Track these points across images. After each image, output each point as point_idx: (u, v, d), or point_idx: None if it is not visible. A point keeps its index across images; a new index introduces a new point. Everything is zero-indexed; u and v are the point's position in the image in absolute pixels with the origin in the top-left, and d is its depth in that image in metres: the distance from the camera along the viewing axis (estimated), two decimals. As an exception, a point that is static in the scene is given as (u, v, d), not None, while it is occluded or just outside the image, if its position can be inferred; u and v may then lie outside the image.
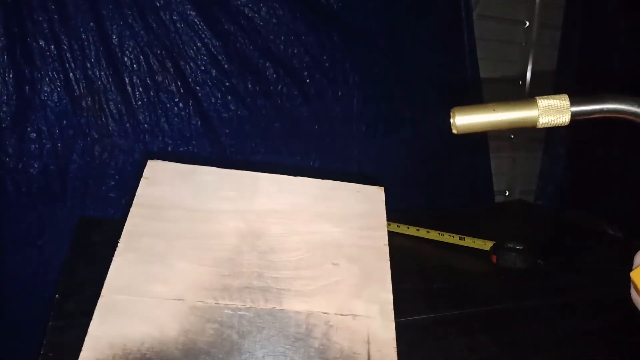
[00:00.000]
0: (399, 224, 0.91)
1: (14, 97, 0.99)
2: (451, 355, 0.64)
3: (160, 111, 1.08)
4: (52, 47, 1.00)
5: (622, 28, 1.46)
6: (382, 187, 0.44)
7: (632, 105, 0.30)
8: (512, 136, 1.59)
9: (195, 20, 1.07)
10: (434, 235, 1.00)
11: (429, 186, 1.33)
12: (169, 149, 1.09)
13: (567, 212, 1.48)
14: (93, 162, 1.05)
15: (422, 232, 1.00)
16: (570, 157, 1.54)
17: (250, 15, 1.11)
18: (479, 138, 1.39)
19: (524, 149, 1.61)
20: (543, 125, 0.31)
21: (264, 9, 1.11)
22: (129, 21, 1.03)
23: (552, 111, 0.30)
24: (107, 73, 1.04)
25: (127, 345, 0.32)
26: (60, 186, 1.04)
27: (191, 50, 1.08)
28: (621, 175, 1.44)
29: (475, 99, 1.30)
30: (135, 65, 1.05)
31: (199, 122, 1.11)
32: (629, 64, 1.47)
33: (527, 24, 1.50)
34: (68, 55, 1.01)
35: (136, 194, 0.39)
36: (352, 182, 0.45)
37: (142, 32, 1.04)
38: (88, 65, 1.02)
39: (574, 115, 0.30)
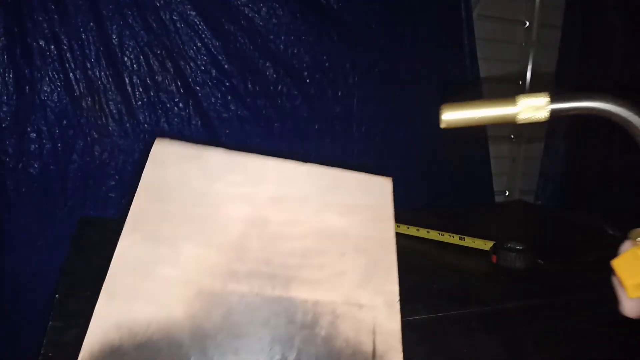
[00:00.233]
0: (398, 224, 0.91)
1: (14, 97, 0.99)
2: (451, 355, 0.64)
3: (160, 111, 1.08)
4: (52, 47, 1.00)
5: (621, 28, 1.46)
6: (390, 178, 0.43)
7: (605, 104, 0.32)
8: (512, 136, 1.59)
9: (195, 20, 1.07)
10: (434, 235, 1.00)
11: (429, 186, 1.33)
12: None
13: (567, 212, 1.48)
14: (93, 162, 1.05)
15: (422, 232, 1.00)
16: (570, 158, 1.54)
17: (250, 15, 1.11)
18: (479, 138, 1.39)
19: (524, 149, 1.61)
20: (522, 121, 0.34)
21: (264, 9, 1.11)
22: (129, 21, 1.03)
23: (531, 108, 0.33)
24: (107, 73, 1.04)
25: (134, 327, 0.32)
26: (60, 186, 1.04)
27: (191, 50, 1.08)
28: (621, 176, 1.45)
29: (475, 99, 1.29)
30: (135, 65, 1.05)
31: (199, 122, 1.11)
32: (629, 64, 1.47)
33: (527, 24, 1.51)
34: (68, 55, 1.01)
35: (143, 174, 0.38)
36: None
37: (142, 32, 1.04)
38: (88, 65, 1.02)
39: (553, 112, 0.33)
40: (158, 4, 1.04)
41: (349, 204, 0.41)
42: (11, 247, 1.03)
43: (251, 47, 1.12)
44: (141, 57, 1.05)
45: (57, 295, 0.69)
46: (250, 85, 1.14)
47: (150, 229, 0.36)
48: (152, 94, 1.07)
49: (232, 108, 1.13)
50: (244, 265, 0.36)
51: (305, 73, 1.17)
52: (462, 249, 0.96)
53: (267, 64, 1.14)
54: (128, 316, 0.32)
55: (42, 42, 0.99)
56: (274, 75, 1.15)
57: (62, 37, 1.00)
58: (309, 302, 0.35)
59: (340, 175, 0.42)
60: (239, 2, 1.10)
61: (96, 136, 1.05)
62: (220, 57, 1.10)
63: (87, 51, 1.02)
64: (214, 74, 1.10)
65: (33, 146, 1.01)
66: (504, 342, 0.67)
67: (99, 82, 1.04)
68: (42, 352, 0.56)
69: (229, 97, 1.12)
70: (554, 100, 0.33)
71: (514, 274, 0.86)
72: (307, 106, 1.18)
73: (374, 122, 1.24)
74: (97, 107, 1.04)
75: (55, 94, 1.01)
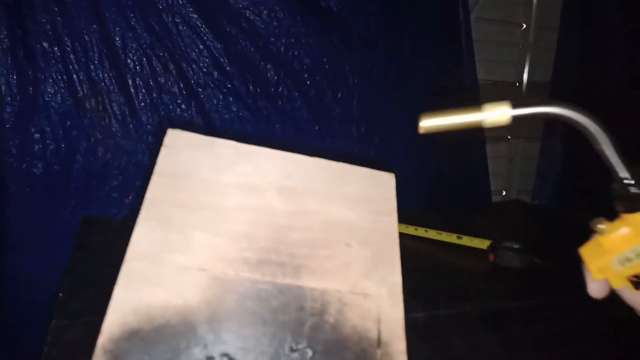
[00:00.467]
0: (397, 223, 0.92)
1: (17, 98, 0.99)
2: (449, 353, 0.64)
3: (162, 112, 1.09)
4: (55, 48, 1.00)
5: (620, 29, 1.47)
6: (393, 174, 0.45)
7: (557, 108, 0.37)
8: (509, 137, 1.60)
9: (197, 22, 1.08)
10: (432, 234, 1.01)
11: (427, 186, 1.34)
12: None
13: (564, 212, 1.50)
14: (96, 162, 1.06)
15: (421, 232, 1.02)
16: (567, 157, 1.55)
17: (251, 17, 1.11)
18: (477, 139, 1.41)
19: (521, 149, 1.62)
20: (489, 126, 0.38)
21: (265, 11, 1.12)
22: (131, 23, 1.04)
23: (495, 115, 0.38)
24: (110, 75, 1.05)
25: (151, 311, 0.33)
26: (63, 186, 1.05)
27: (193, 53, 1.09)
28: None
29: (473, 100, 1.31)
30: (138, 67, 1.06)
31: (201, 123, 1.12)
32: (627, 66, 1.48)
33: (525, 26, 1.52)
34: (71, 56, 1.01)
35: (157, 162, 0.39)
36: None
37: (144, 34, 1.05)
38: (91, 66, 1.03)
39: (514, 117, 0.38)
40: (160, 7, 1.05)
41: (354, 197, 0.42)
42: (14, 246, 1.03)
43: (252, 49, 1.13)
44: (144, 59, 1.06)
45: (60, 294, 0.70)
46: (251, 87, 1.15)
47: (164, 216, 0.36)
48: (154, 95, 1.08)
49: (234, 109, 1.14)
50: (254, 254, 0.37)
51: (306, 75, 1.18)
52: (460, 248, 0.98)
53: (268, 66, 1.15)
54: (145, 301, 0.33)
55: (45, 44, 1.00)
56: (275, 77, 1.16)
57: (65, 38, 1.00)
58: (317, 291, 0.37)
59: (346, 169, 0.44)
60: (240, 5, 1.11)
61: (99, 137, 1.06)
62: (222, 59, 1.11)
63: (90, 53, 1.03)
64: (215, 76, 1.11)
65: (36, 147, 1.02)
66: (502, 341, 0.68)
67: (102, 84, 1.04)
68: (45, 350, 0.57)
69: (231, 99, 1.13)
70: (514, 107, 0.38)
71: (511, 273, 0.88)
72: (307, 107, 1.19)
73: (374, 123, 1.26)
74: (100, 108, 1.05)
75: (59, 95, 1.02)
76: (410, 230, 1.02)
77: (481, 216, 1.28)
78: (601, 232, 0.40)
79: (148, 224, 0.36)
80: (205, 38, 1.09)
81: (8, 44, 0.97)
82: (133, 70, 1.06)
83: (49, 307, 0.68)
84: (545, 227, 1.19)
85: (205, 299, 0.34)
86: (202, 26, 1.08)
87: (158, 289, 0.34)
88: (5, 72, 0.98)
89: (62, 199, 1.05)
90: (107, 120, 1.06)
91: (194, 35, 1.08)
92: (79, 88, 1.03)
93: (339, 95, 1.22)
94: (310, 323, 0.36)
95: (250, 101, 1.15)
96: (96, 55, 1.03)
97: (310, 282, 0.37)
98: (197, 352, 0.33)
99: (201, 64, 1.10)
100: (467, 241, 0.98)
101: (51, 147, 1.03)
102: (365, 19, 1.21)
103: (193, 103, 1.11)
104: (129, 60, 1.05)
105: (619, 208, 0.39)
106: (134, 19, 1.04)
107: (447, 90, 1.31)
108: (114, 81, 1.05)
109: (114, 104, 1.06)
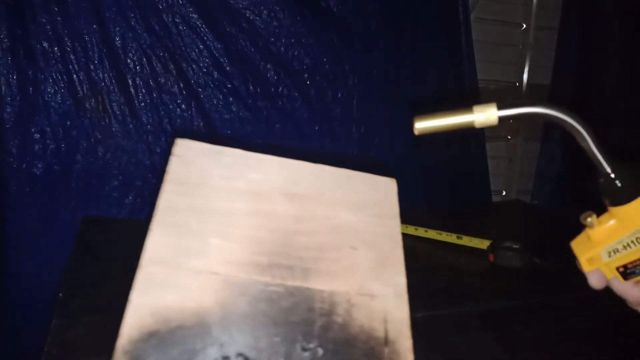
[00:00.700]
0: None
1: (17, 98, 1.00)
2: (449, 353, 0.65)
3: (162, 112, 1.09)
4: (56, 48, 1.00)
5: (619, 29, 1.47)
6: (394, 179, 0.47)
7: (542, 109, 0.39)
8: (509, 137, 1.61)
9: (197, 22, 1.08)
10: (432, 234, 1.01)
11: (427, 186, 1.34)
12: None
13: (564, 211, 1.50)
14: (96, 162, 1.06)
15: (421, 231, 1.02)
16: (566, 157, 1.56)
17: (251, 17, 1.12)
18: (476, 139, 1.41)
19: (520, 149, 1.62)
20: (479, 126, 0.40)
21: (265, 11, 1.12)
22: (131, 23, 1.04)
23: (483, 116, 0.39)
24: (111, 75, 1.05)
25: (167, 313, 0.34)
26: (63, 186, 1.05)
27: (193, 53, 1.09)
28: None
29: (473, 100, 1.31)
30: (138, 67, 1.06)
31: (201, 123, 1.12)
32: (627, 66, 1.49)
33: (524, 26, 1.52)
34: (71, 56, 1.02)
35: (167, 170, 0.40)
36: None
37: (144, 34, 1.05)
38: (91, 66, 1.03)
39: (501, 118, 0.39)
40: (160, 7, 1.05)
41: (358, 201, 0.44)
42: (15, 246, 1.03)
43: (252, 49, 1.13)
44: (144, 59, 1.06)
45: (60, 294, 0.70)
46: (251, 87, 1.15)
47: (178, 223, 0.38)
48: (154, 95, 1.08)
49: (234, 109, 1.14)
50: (264, 258, 0.38)
51: (306, 75, 1.18)
52: (460, 248, 0.98)
53: (268, 66, 1.15)
54: (162, 304, 0.34)
55: (45, 44, 1.00)
56: (275, 77, 1.16)
57: (66, 38, 1.01)
58: (325, 292, 0.38)
59: (349, 175, 0.45)
60: (240, 5, 1.11)
61: (99, 137, 1.06)
62: (222, 59, 1.11)
63: (91, 53, 1.03)
64: (215, 76, 1.11)
65: (37, 147, 1.02)
66: (502, 340, 0.68)
67: (102, 84, 1.05)
68: (45, 349, 0.57)
69: (231, 99, 1.13)
70: (499, 108, 0.39)
71: (511, 272, 0.88)
72: (307, 107, 1.19)
73: (374, 123, 1.26)
74: (100, 108, 1.05)
75: (59, 95, 1.02)
76: (410, 230, 1.02)
77: (481, 216, 1.28)
78: (590, 226, 0.42)
79: (162, 230, 0.37)
80: (205, 38, 1.09)
81: (8, 44, 0.98)
82: (133, 70, 1.06)
83: (49, 307, 0.69)
84: (545, 227, 1.20)
85: (219, 302, 0.36)
86: (202, 26, 1.08)
87: (173, 292, 0.35)
88: (5, 72, 0.98)
89: (62, 199, 1.05)
90: (107, 120, 1.06)
91: (194, 35, 1.08)
92: (79, 88, 1.03)
93: (339, 95, 1.22)
94: (319, 323, 0.37)
95: (250, 101, 1.15)
96: (96, 55, 1.03)
97: (319, 284, 0.39)
98: (213, 352, 0.34)
99: (201, 64, 1.10)
100: (467, 241, 0.98)
101: (51, 147, 1.03)
102: (365, 19, 1.21)
103: (193, 103, 1.11)
104: (129, 60, 1.06)
105: (606, 202, 0.41)
106: (134, 19, 1.04)
107: (447, 90, 1.31)
108: (114, 81, 1.05)
109: (114, 104, 1.06)
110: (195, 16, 1.08)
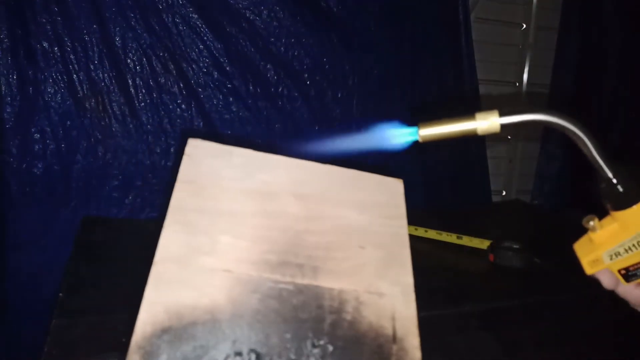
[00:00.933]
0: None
1: (17, 98, 1.00)
2: (448, 353, 0.65)
3: (162, 112, 1.09)
4: (56, 48, 1.00)
5: (619, 29, 1.47)
6: (401, 180, 0.48)
7: (544, 116, 0.39)
8: (509, 137, 1.61)
9: (197, 22, 1.08)
10: (432, 234, 1.01)
11: (427, 186, 1.34)
12: (172, 149, 1.10)
13: (564, 212, 1.50)
14: (96, 162, 1.06)
15: (421, 231, 1.02)
16: (566, 158, 1.56)
17: (251, 18, 1.12)
18: (477, 140, 1.41)
19: (520, 149, 1.63)
20: (482, 134, 0.41)
21: (265, 11, 1.12)
22: (131, 23, 1.04)
23: (486, 123, 0.40)
24: (111, 75, 1.05)
25: (181, 310, 0.35)
26: (63, 186, 1.05)
27: (193, 53, 1.09)
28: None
29: (473, 100, 1.31)
30: (138, 67, 1.06)
31: (201, 123, 1.12)
32: (626, 66, 1.49)
33: (524, 26, 1.52)
34: (72, 56, 1.02)
35: (179, 170, 0.41)
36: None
37: (144, 34, 1.05)
38: (91, 66, 1.03)
39: (503, 125, 0.40)
40: (160, 7, 1.05)
41: (365, 202, 0.45)
42: (15, 246, 1.04)
43: (252, 50, 1.13)
44: (144, 59, 1.06)
45: (60, 294, 0.70)
46: (251, 87, 1.15)
47: (190, 221, 0.39)
48: (154, 95, 1.08)
49: (234, 109, 1.14)
50: (275, 256, 0.39)
51: (306, 75, 1.18)
52: (460, 248, 0.98)
53: (268, 66, 1.15)
54: (175, 301, 0.35)
55: (45, 44, 1.00)
56: (275, 77, 1.16)
57: (66, 39, 1.01)
58: (335, 290, 0.39)
59: (357, 175, 0.46)
60: (240, 5, 1.11)
61: (99, 137, 1.06)
62: (222, 59, 1.11)
63: (91, 53, 1.03)
64: (215, 76, 1.11)
65: (37, 146, 1.02)
66: (502, 340, 0.68)
67: (102, 84, 1.05)
68: (45, 349, 0.57)
69: (231, 99, 1.13)
70: (501, 115, 0.40)
71: (511, 272, 0.88)
72: (307, 107, 1.19)
73: (373, 123, 1.26)
74: (100, 108, 1.05)
75: (59, 95, 1.02)
76: (410, 230, 1.02)
77: (481, 216, 1.28)
78: (592, 229, 0.43)
79: (174, 229, 0.38)
80: (205, 38, 1.09)
81: (8, 44, 0.98)
82: (133, 70, 1.06)
83: (50, 307, 0.69)
84: (545, 227, 1.20)
85: (231, 299, 0.36)
86: (202, 26, 1.08)
87: (187, 290, 0.36)
88: (5, 72, 0.98)
89: (62, 199, 1.05)
90: (107, 120, 1.06)
91: (194, 35, 1.09)
92: (79, 88, 1.03)
93: (339, 95, 1.22)
94: (329, 320, 0.38)
95: (250, 101, 1.15)
96: (96, 55, 1.03)
97: (328, 282, 0.39)
98: (226, 348, 0.35)
99: (201, 64, 1.10)
100: (467, 241, 0.98)
101: (51, 147, 1.03)
102: (365, 19, 1.21)
103: (193, 103, 1.11)
104: (129, 60, 1.06)
105: (607, 206, 0.41)
106: (134, 19, 1.04)
107: (447, 90, 1.31)
108: (114, 81, 1.05)
109: (114, 104, 1.06)
110: (195, 16, 1.08)
